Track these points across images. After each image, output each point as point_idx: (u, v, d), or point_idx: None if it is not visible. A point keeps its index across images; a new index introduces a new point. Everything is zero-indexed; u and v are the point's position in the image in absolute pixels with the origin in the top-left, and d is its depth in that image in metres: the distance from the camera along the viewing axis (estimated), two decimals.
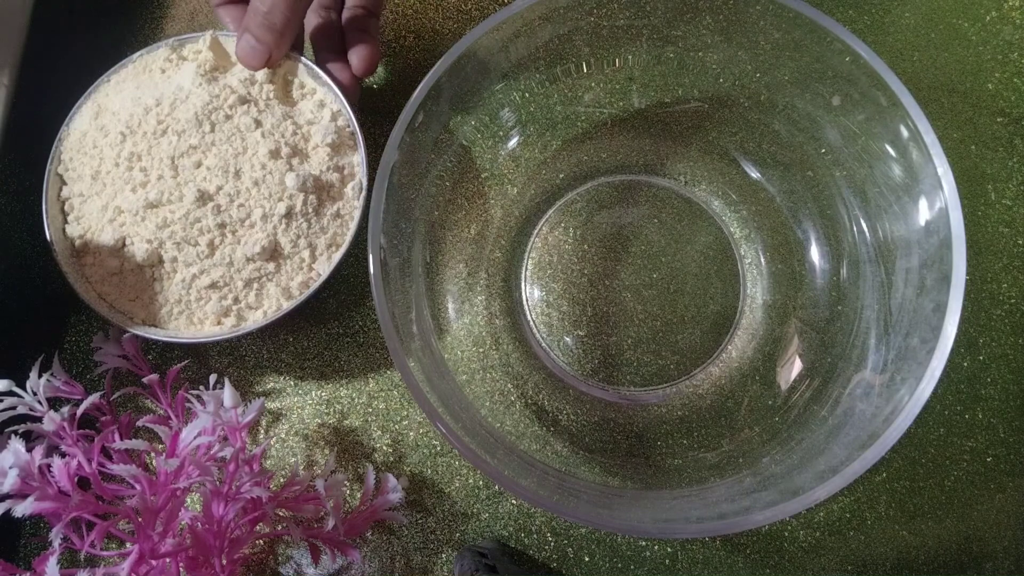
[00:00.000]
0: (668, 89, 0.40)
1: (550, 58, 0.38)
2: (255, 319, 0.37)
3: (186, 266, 0.36)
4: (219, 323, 0.37)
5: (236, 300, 0.37)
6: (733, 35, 0.36)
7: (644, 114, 0.41)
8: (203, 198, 0.36)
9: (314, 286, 0.37)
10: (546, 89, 0.40)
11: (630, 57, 0.39)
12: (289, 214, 0.36)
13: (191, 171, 0.36)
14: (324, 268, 0.37)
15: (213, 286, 0.36)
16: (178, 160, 0.36)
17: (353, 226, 0.37)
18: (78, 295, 0.37)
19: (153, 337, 0.36)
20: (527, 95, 0.40)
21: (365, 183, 0.37)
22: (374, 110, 0.43)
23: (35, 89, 0.43)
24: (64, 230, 0.38)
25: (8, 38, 0.43)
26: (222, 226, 0.36)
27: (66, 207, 0.38)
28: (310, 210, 0.36)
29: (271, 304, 0.37)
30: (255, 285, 0.37)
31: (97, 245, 0.37)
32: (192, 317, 0.37)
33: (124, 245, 0.37)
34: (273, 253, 0.37)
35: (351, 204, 0.38)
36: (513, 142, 0.41)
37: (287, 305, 0.36)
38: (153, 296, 0.37)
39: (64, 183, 0.38)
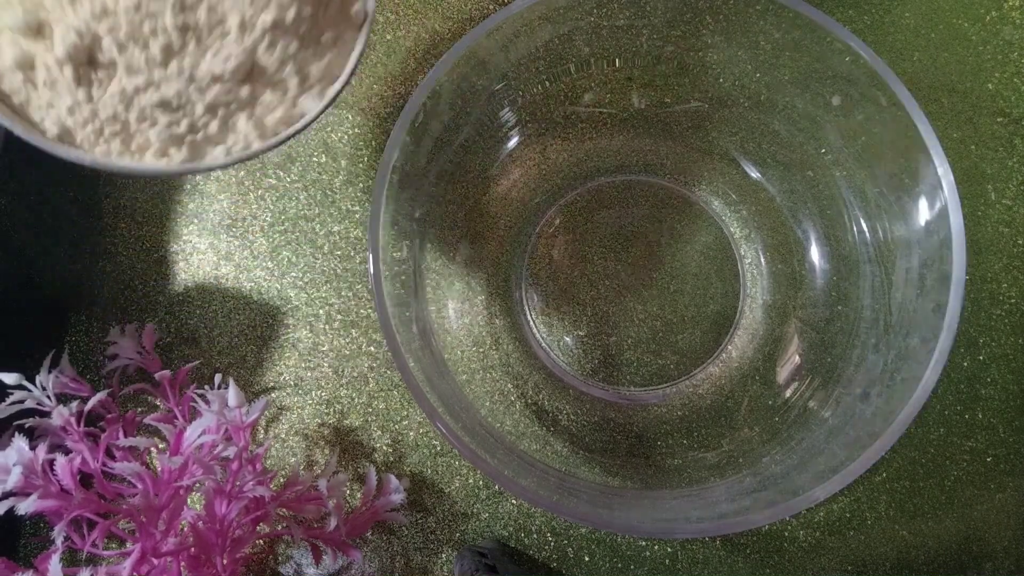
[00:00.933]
0: (668, 89, 0.40)
1: (550, 58, 0.38)
2: (214, 157, 0.28)
3: (129, 74, 0.27)
4: (166, 154, 0.28)
5: (192, 128, 0.28)
6: (733, 35, 0.36)
7: (644, 114, 0.41)
8: None
9: (297, 125, 0.28)
10: (546, 89, 0.40)
11: (630, 57, 0.39)
12: (276, 27, 0.27)
13: None
14: (313, 105, 0.29)
15: (163, 105, 0.27)
16: None
17: (354, 57, 0.30)
18: None
19: (74, 159, 0.27)
20: (527, 95, 0.40)
21: (371, 8, 0.30)
22: (375, 111, 0.43)
23: None
24: None
25: None
26: (184, 29, 0.26)
27: None
28: (303, 28, 0.28)
29: (237, 141, 0.28)
30: (220, 112, 0.28)
31: (2, 25, 0.26)
32: (130, 142, 0.28)
33: (43, 34, 0.26)
34: (249, 74, 0.28)
35: (353, 30, 0.30)
36: (513, 142, 0.41)
37: (258, 146, 0.28)
38: (77, 106, 0.27)
39: None
